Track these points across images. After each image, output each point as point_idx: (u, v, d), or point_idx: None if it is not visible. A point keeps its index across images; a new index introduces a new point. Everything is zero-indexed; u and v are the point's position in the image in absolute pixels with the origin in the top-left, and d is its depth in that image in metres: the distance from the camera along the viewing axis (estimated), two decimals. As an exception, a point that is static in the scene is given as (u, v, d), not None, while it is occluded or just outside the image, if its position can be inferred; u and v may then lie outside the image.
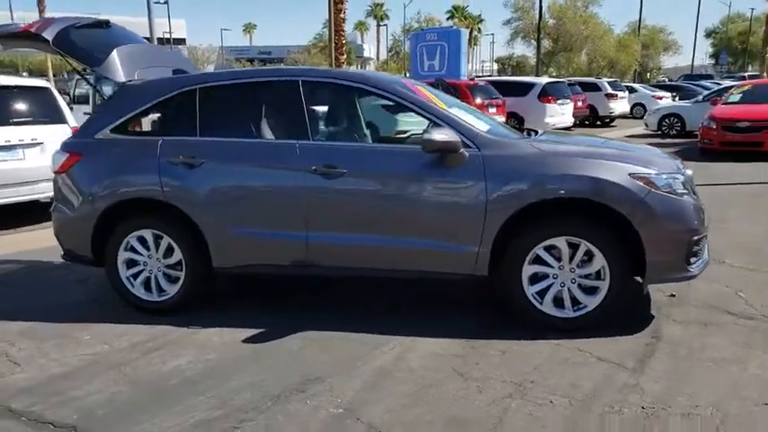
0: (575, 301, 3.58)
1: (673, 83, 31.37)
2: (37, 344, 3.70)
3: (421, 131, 3.69)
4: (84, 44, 4.31)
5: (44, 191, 7.03)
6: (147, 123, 4.21)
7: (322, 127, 4.17)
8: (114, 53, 4.26)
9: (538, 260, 3.58)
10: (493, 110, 15.00)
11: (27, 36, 4.25)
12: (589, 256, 3.51)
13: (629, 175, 3.43)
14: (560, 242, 3.52)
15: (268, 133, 3.96)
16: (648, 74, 49.35)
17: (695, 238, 3.49)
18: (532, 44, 31.27)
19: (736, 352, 3.29)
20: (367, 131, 4.39)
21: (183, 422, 2.78)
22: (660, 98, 22.20)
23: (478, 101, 14.63)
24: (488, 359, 3.30)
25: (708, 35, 67.36)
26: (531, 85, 17.07)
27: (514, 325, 3.67)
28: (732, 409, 2.70)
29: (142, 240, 4.07)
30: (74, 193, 4.14)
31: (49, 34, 4.13)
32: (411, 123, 6.42)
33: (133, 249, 4.08)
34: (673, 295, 4.08)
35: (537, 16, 27.67)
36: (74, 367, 3.39)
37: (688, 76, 39.28)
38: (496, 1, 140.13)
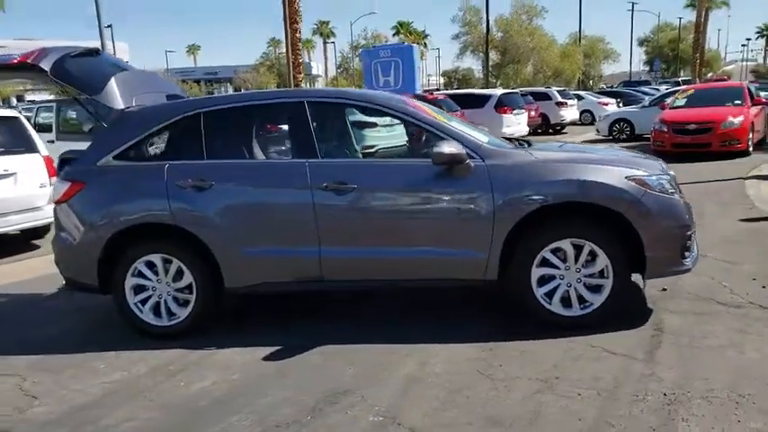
0: (581, 300, 3.77)
1: (614, 89, 32.79)
2: (51, 376, 3.64)
3: (389, 146, 3.85)
4: (80, 73, 4.29)
5: (17, 223, 6.87)
6: (150, 149, 4.20)
7: (329, 145, 4.26)
8: (112, 81, 4.26)
9: (545, 263, 3.76)
10: (453, 122, 15.37)
11: (22, 67, 4.20)
12: (593, 256, 3.72)
13: (626, 177, 3.67)
14: (565, 244, 3.71)
15: (275, 154, 4.04)
16: (591, 81, 51.28)
17: (688, 233, 3.75)
18: (481, 57, 32.21)
19: (733, 338, 3.54)
20: (372, 148, 4.51)
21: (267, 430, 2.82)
22: (606, 104, 23.16)
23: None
24: (509, 360, 3.44)
25: (641, 43, 70.44)
26: (487, 97, 17.59)
27: (524, 326, 3.83)
28: (745, 390, 2.92)
29: (150, 265, 4.05)
30: (78, 221, 4.09)
31: (46, 64, 4.10)
32: (378, 138, 6.61)
33: (141, 275, 4.07)
34: (664, 289, 4.33)
35: (485, 30, 28.48)
36: (97, 396, 3.36)
37: (627, 83, 41.11)
38: (440, 16, 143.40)
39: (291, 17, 20.50)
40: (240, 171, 3.99)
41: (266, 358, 3.71)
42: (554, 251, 3.74)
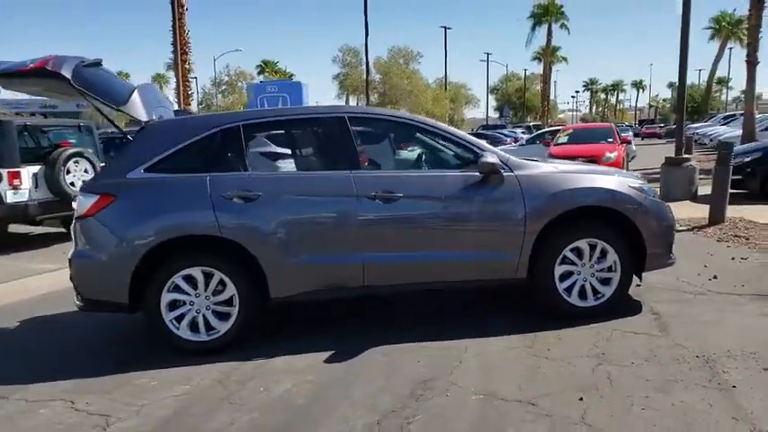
0: (595, 292, 4.35)
1: (479, 131, 35.65)
2: (102, 396, 3.45)
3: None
4: (100, 82, 4.20)
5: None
6: (185, 162, 4.15)
7: (368, 158, 4.50)
8: (136, 93, 4.21)
9: (565, 260, 4.30)
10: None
11: (39, 74, 4.00)
12: (603, 253, 4.32)
13: (629, 186, 4.35)
14: (582, 243, 4.29)
15: (318, 166, 4.21)
16: (455, 125, 55.11)
17: (673, 232, 4.51)
18: (361, 98, 33.50)
19: (716, 316, 4.29)
20: (410, 160, 4.81)
21: (353, 426, 2.93)
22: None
23: None
24: (553, 344, 3.89)
25: (491, 91, 77.02)
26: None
27: (546, 318, 4.31)
28: (751, 349, 3.62)
29: (188, 279, 3.99)
30: (108, 235, 3.94)
31: (66, 71, 3.97)
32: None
33: (177, 289, 3.99)
34: (639, 285, 5.06)
35: (364, 71, 29.74)
36: (177, 407, 3.28)
37: (485, 126, 44.90)
38: (314, 56, 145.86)
39: (182, 47, 20.04)
40: (287, 183, 4.11)
41: (327, 361, 3.82)
42: (572, 250, 4.29)
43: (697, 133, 28.63)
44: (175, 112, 4.59)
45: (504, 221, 4.17)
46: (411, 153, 4.81)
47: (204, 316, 4.02)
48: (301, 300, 4.16)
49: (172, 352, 4.02)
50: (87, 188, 4.06)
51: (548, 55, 48.41)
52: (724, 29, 46.07)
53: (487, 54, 52.33)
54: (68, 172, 8.66)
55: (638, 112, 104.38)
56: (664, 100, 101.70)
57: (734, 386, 3.16)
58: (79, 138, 9.41)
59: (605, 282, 4.37)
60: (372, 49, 39.70)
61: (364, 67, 29.48)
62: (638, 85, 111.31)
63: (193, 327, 4.02)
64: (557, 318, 4.29)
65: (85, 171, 8.96)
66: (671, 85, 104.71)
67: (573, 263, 4.32)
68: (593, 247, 4.31)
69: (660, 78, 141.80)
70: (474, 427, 2.89)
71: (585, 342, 3.90)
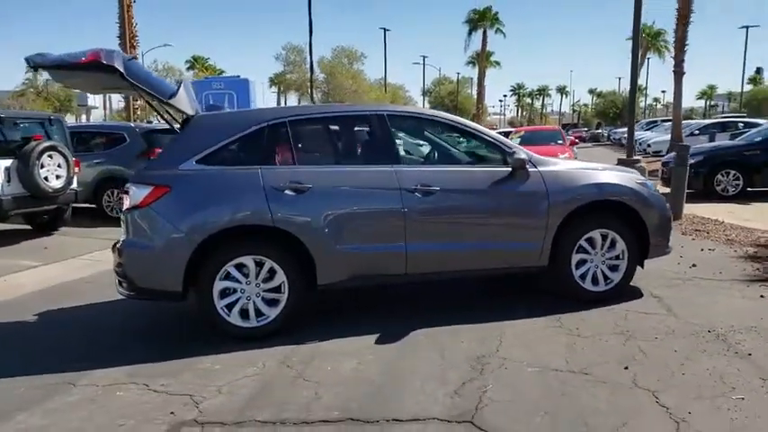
0: (605, 278, 4.81)
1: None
2: (172, 379, 3.56)
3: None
4: (147, 76, 4.26)
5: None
6: (234, 154, 4.28)
7: (405, 153, 4.76)
8: (182, 87, 4.30)
9: (580, 249, 4.74)
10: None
11: (90, 67, 4.02)
12: (613, 243, 4.79)
13: (635, 181, 4.85)
14: (596, 234, 4.74)
15: (361, 160, 4.45)
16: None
17: (671, 224, 5.05)
18: (305, 97, 33.44)
19: (709, 298, 4.85)
20: (443, 155, 5.08)
21: (435, 395, 3.22)
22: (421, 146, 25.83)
23: None
24: (579, 324, 4.30)
25: (424, 94, 78.46)
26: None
27: (563, 301, 4.72)
28: (751, 324, 4.17)
29: (239, 267, 4.13)
30: (163, 225, 4.03)
31: (119, 64, 4.02)
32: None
33: (229, 277, 4.12)
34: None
35: (308, 70, 29.74)
36: (260, 386, 3.45)
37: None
38: (254, 53, 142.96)
39: (131, 40, 19.41)
40: (336, 176, 4.31)
41: (378, 343, 4.08)
42: (587, 239, 4.74)
43: (619, 138, 30.45)
44: (210, 107, 4.68)
45: (531, 213, 4.56)
46: (444, 148, 5.10)
47: (254, 303, 4.18)
48: (345, 286, 4.38)
49: (210, 338, 4.15)
50: (139, 179, 4.12)
51: (483, 59, 49.94)
52: (645, 39, 49.02)
53: (423, 57, 53.40)
54: (42, 166, 8.40)
55: (561, 117, 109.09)
56: (585, 105, 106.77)
57: (749, 354, 3.67)
58: (49, 131, 9.11)
59: (614, 268, 4.83)
60: (316, 49, 39.74)
61: (308, 66, 29.46)
62: (562, 91, 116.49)
63: (243, 314, 4.17)
64: (572, 301, 4.72)
65: (59, 166, 8.72)
66: (592, 91, 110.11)
67: (587, 251, 4.76)
68: (604, 237, 4.77)
69: (581, 84, 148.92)
70: (546, 393, 3.24)
71: (607, 322, 4.34)
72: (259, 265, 4.15)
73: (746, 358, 3.61)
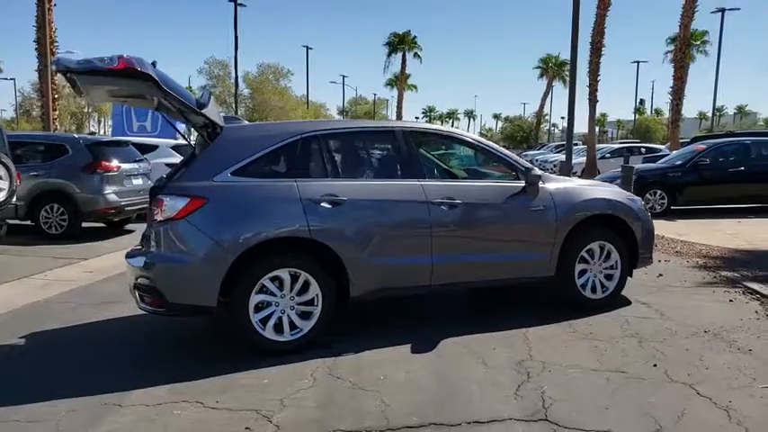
0: (602, 286, 5.20)
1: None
2: (225, 396, 3.49)
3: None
4: (175, 85, 4.18)
5: None
6: (268, 167, 4.27)
7: (429, 168, 4.91)
8: (212, 98, 4.27)
9: (582, 260, 5.10)
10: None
11: (120, 74, 3.89)
12: (608, 254, 5.20)
13: (627, 197, 5.30)
14: (595, 246, 5.12)
15: (389, 174, 4.57)
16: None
17: (654, 236, 5.53)
18: (229, 111, 32.70)
19: (689, 303, 5.36)
20: (463, 171, 5.27)
21: (497, 396, 3.38)
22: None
23: None
24: (591, 329, 4.63)
25: (342, 113, 79.11)
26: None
27: (562, 309, 5.05)
28: (736, 324, 4.68)
29: (273, 280, 4.12)
30: (200, 238, 3.95)
31: (152, 72, 3.94)
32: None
33: (264, 291, 4.10)
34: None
35: (233, 85, 29.27)
36: (322, 396, 3.47)
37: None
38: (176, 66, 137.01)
39: (50, 45, 18.26)
40: (368, 189, 4.40)
41: (414, 351, 4.19)
42: (587, 251, 5.11)
43: (537, 159, 32.26)
44: (227, 119, 4.62)
45: (542, 226, 4.87)
46: (459, 164, 5.32)
47: (288, 316, 4.17)
48: (374, 298, 4.47)
49: (237, 353, 4.14)
50: (174, 190, 4.01)
51: (402, 81, 51.26)
52: (551, 69, 52.49)
53: (343, 76, 53.99)
54: (-19, 178, 7.80)
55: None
56: (489, 129, 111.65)
57: (750, 350, 4.13)
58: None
59: (609, 278, 5.24)
60: (241, 65, 39.17)
61: (233, 80, 29.01)
62: (469, 115, 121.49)
63: (277, 327, 4.14)
64: (571, 309, 5.06)
65: (0, 178, 8.12)
66: (496, 116, 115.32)
67: (587, 262, 5.13)
68: (601, 249, 5.16)
69: (486, 109, 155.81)
70: (597, 391, 3.49)
71: (613, 327, 4.69)
72: (294, 277, 4.16)
73: (749, 353, 4.06)
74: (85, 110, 61.95)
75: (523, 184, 4.83)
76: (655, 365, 3.85)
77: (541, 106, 54.73)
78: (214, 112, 4.28)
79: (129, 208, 10.12)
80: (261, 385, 3.66)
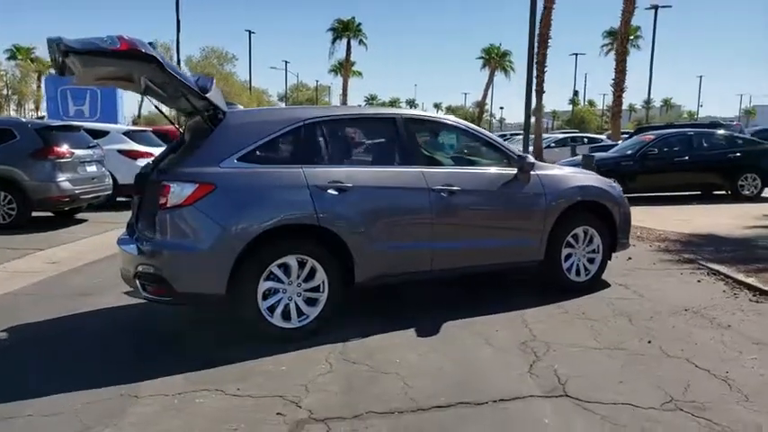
0: (585, 269, 5.44)
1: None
2: (245, 383, 3.47)
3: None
4: (175, 68, 4.07)
5: None
6: (272, 153, 4.21)
7: (427, 154, 4.96)
8: (213, 83, 4.18)
9: (567, 245, 5.32)
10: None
11: (125, 56, 3.75)
12: (591, 239, 5.44)
13: (609, 184, 5.55)
14: (579, 231, 5.35)
15: (391, 161, 4.61)
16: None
17: (631, 222, 5.82)
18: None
19: (663, 284, 5.68)
20: (459, 158, 5.33)
21: (514, 374, 3.52)
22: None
23: None
24: (582, 311, 4.83)
25: (281, 98, 77.93)
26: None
27: (551, 291, 5.25)
28: (717, 303, 5.01)
29: (281, 267, 4.11)
30: (209, 225, 3.88)
31: (156, 54, 3.83)
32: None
33: (272, 278, 4.08)
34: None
35: (176, 70, 28.31)
36: (345, 381, 3.51)
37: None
38: None
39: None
40: (372, 175, 4.42)
41: (420, 335, 4.28)
42: (573, 236, 5.33)
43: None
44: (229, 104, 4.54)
45: (534, 212, 5.04)
46: (459, 151, 5.41)
47: (296, 303, 4.16)
48: (377, 284, 4.51)
49: (241, 341, 4.11)
50: (180, 176, 3.91)
51: (347, 68, 50.99)
52: (493, 59, 53.50)
53: (285, 62, 53.19)
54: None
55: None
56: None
57: (729, 325, 4.44)
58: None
59: (591, 261, 5.48)
60: (184, 47, 37.80)
61: (175, 63, 28.06)
62: (411, 104, 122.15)
63: (285, 314, 4.13)
64: (559, 291, 5.27)
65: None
66: (437, 105, 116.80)
67: (572, 246, 5.35)
68: (585, 234, 5.39)
69: (427, 98, 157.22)
70: (605, 367, 3.68)
71: (601, 308, 4.92)
72: (301, 264, 4.15)
73: (729, 329, 4.36)
74: (3, 92, 58.60)
75: (515, 172, 4.98)
76: (649, 342, 4.08)
77: (484, 96, 55.85)
78: (218, 96, 4.20)
79: (83, 196, 9.73)
80: (278, 372, 3.65)
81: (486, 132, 5.26)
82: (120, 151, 11.88)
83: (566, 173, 5.45)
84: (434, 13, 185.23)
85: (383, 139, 4.80)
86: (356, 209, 4.28)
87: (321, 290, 4.23)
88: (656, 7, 31.97)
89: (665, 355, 3.85)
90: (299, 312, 4.18)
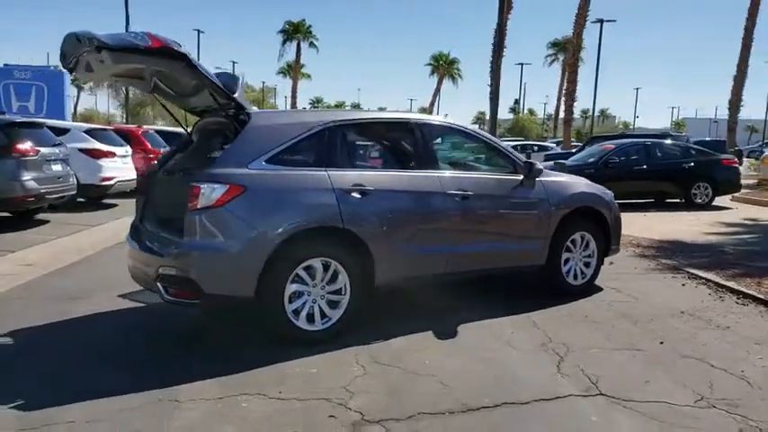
0: (582, 273, 5.65)
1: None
2: (282, 386, 3.44)
3: None
4: (202, 65, 4.00)
5: None
6: (297, 156, 4.18)
7: (441, 159, 5.01)
8: (239, 81, 4.14)
9: (567, 249, 5.50)
10: (167, 158, 15.18)
11: (154, 54, 3.67)
12: (587, 244, 5.65)
13: (603, 191, 5.78)
14: (577, 236, 5.54)
15: (408, 165, 4.65)
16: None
17: (621, 228, 6.07)
18: (121, 94, 30.45)
19: (651, 287, 5.94)
20: (469, 163, 5.40)
21: (544, 371, 3.63)
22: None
23: (150, 147, 14.67)
24: (584, 313, 5.02)
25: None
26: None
27: (543, 296, 5.41)
28: (702, 304, 5.30)
29: (307, 270, 4.09)
30: (240, 227, 3.83)
31: (186, 52, 3.77)
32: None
33: (298, 280, 4.06)
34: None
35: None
36: (385, 383, 3.53)
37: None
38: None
39: None
40: (393, 179, 4.46)
41: (439, 337, 4.34)
42: (571, 241, 5.52)
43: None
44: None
45: (539, 217, 5.19)
46: (471, 157, 5.50)
47: (319, 305, 4.14)
48: (394, 286, 4.54)
49: (261, 343, 4.10)
50: (210, 178, 3.82)
51: (297, 71, 50.59)
52: (442, 67, 54.37)
53: (233, 62, 52.29)
54: None
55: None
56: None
57: (728, 326, 4.71)
58: None
59: (587, 265, 5.69)
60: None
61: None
62: (356, 107, 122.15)
63: (309, 317, 4.11)
64: (556, 294, 5.44)
65: None
66: (382, 109, 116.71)
67: (571, 251, 5.54)
68: (582, 239, 5.59)
69: (372, 103, 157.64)
70: (627, 366, 3.84)
71: (601, 310, 5.12)
72: (325, 267, 4.14)
73: (729, 330, 4.63)
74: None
75: (521, 177, 5.12)
76: (661, 343, 4.28)
77: (432, 103, 56.60)
78: (243, 97, 4.14)
79: (48, 196, 9.30)
80: (311, 375, 3.63)
81: (494, 138, 5.39)
82: (81, 150, 11.41)
83: (565, 179, 5.64)
84: (381, 17, 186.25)
85: (401, 144, 4.85)
86: (377, 212, 4.30)
87: (343, 292, 4.22)
88: (601, 21, 33.29)
89: (680, 356, 4.05)
90: (322, 315, 4.16)
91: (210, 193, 3.78)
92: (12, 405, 3.14)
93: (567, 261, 5.52)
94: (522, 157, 5.35)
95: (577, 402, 3.31)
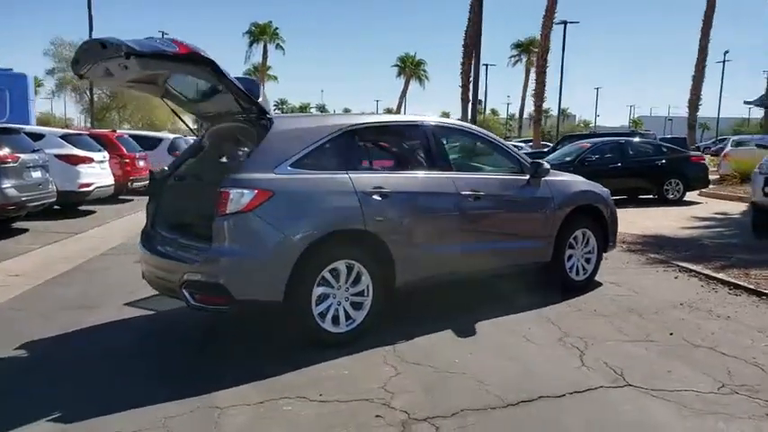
0: (583, 269, 5.82)
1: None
2: (320, 389, 3.46)
3: None
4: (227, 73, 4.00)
5: None
6: (319, 160, 4.20)
7: (453, 161, 5.09)
8: (261, 87, 4.15)
9: (570, 246, 5.67)
10: (142, 162, 14.96)
11: (183, 60, 3.66)
12: (588, 240, 5.83)
13: (602, 189, 5.97)
14: (579, 233, 5.71)
15: (423, 166, 4.72)
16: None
17: (617, 225, 6.28)
18: (85, 97, 29.62)
19: (648, 281, 6.17)
20: (478, 164, 5.49)
21: (570, 364, 3.75)
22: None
23: (126, 152, 14.45)
24: (591, 308, 5.17)
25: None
26: (159, 140, 17.46)
27: (549, 292, 5.56)
28: (701, 296, 5.53)
29: (332, 272, 4.13)
30: (269, 232, 3.84)
31: (212, 57, 3.77)
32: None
33: (324, 283, 4.09)
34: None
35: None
36: (422, 383, 3.58)
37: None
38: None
39: None
40: (410, 181, 4.53)
41: (459, 335, 4.43)
42: (573, 238, 5.68)
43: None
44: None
45: (545, 216, 5.34)
46: (480, 158, 5.61)
47: (344, 307, 4.18)
48: (418, 285, 4.62)
49: (284, 347, 4.16)
50: (239, 183, 3.81)
51: (263, 72, 50.15)
52: (408, 68, 54.69)
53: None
54: None
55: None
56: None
57: (728, 317, 4.93)
58: None
59: (588, 261, 5.87)
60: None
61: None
62: (321, 109, 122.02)
63: (334, 319, 4.14)
64: (562, 290, 5.59)
65: None
66: (347, 111, 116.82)
67: (573, 247, 5.71)
68: (583, 235, 5.77)
69: (337, 105, 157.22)
70: (645, 358, 4.00)
71: (606, 304, 5.30)
72: (349, 269, 4.18)
73: (729, 320, 4.85)
74: None
75: (528, 177, 5.26)
76: (671, 334, 4.46)
77: (399, 104, 56.87)
78: (267, 103, 4.15)
79: (29, 204, 9.05)
80: (345, 376, 3.67)
81: (501, 140, 5.51)
82: (58, 156, 11.11)
83: (566, 178, 5.81)
84: (346, 17, 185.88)
85: (416, 146, 4.92)
86: (397, 214, 4.37)
87: (366, 294, 4.27)
88: (565, 23, 34.06)
89: (692, 345, 4.23)
90: (347, 316, 4.20)
91: (240, 198, 3.78)
92: (49, 418, 3.10)
93: (569, 257, 5.68)
94: (527, 157, 5.48)
95: (608, 393, 3.44)
